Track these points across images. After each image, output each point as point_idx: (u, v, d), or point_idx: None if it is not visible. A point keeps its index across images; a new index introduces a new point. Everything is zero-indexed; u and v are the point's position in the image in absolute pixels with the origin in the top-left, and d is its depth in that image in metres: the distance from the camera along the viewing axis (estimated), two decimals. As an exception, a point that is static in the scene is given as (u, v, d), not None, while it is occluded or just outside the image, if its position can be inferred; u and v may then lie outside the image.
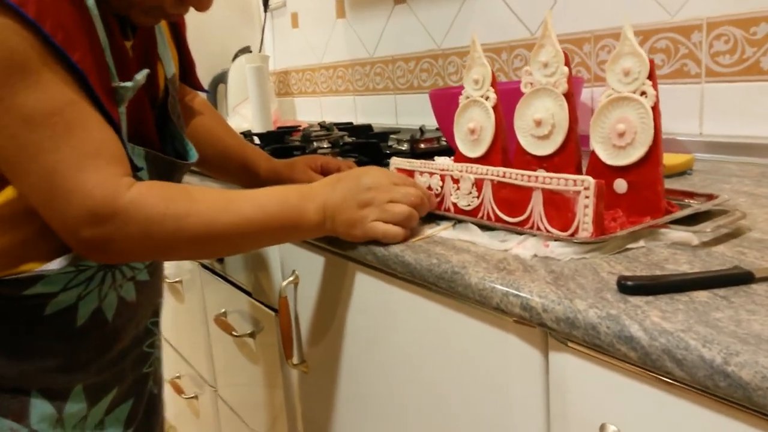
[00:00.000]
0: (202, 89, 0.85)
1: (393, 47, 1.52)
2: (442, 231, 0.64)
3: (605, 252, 0.53)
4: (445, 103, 0.98)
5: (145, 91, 0.65)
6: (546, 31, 0.66)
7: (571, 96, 0.66)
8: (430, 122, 1.34)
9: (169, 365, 1.49)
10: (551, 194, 0.56)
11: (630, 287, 0.44)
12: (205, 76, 1.96)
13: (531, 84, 0.69)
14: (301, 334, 0.84)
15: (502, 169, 0.61)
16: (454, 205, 0.67)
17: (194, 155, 0.71)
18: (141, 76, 0.59)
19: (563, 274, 0.49)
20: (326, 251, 0.76)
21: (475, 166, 0.65)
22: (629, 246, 0.54)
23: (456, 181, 0.67)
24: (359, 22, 1.61)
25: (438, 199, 0.69)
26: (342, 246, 0.67)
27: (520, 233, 0.58)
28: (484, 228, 0.62)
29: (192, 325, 1.31)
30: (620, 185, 0.61)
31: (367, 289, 0.69)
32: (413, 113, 1.50)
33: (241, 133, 1.35)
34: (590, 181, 0.53)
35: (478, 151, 0.73)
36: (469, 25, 1.28)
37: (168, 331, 1.51)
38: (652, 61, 0.59)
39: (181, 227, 0.55)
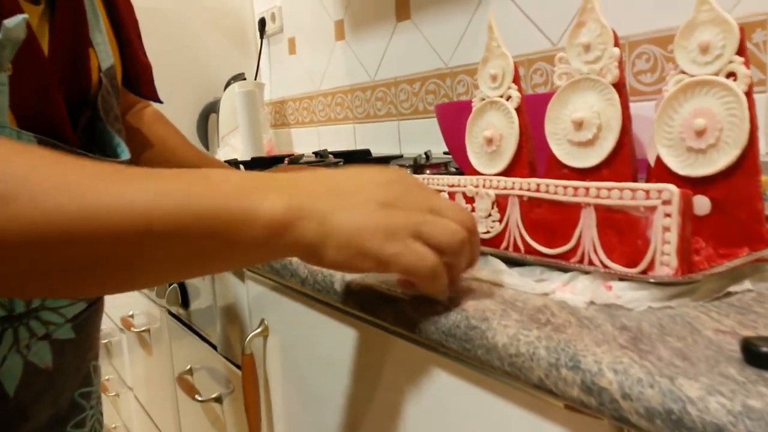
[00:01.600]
0: (153, 98, 0.70)
1: (396, 68, 1.37)
2: (452, 267, 0.46)
3: (697, 298, 0.36)
4: (455, 116, 0.82)
5: (62, 72, 0.50)
6: (588, 3, 0.50)
7: (623, 87, 0.49)
8: (438, 149, 1.18)
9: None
10: (609, 213, 0.39)
11: (765, 355, 0.27)
12: (196, 106, 1.84)
13: (567, 75, 0.53)
14: (272, 401, 0.66)
15: (534, 180, 0.44)
16: (468, 232, 0.50)
17: (125, 156, 0.55)
18: (13, 23, 0.41)
19: (644, 333, 0.31)
20: (300, 294, 0.58)
21: (497, 179, 0.48)
22: (731, 289, 0.36)
23: (470, 200, 0.50)
24: (359, 43, 1.48)
25: (446, 226, 0.52)
26: (317, 285, 0.50)
27: (565, 270, 0.41)
28: (510, 263, 0.45)
29: (161, 383, 1.12)
30: (701, 204, 0.44)
31: (356, 348, 0.51)
32: (418, 140, 1.34)
33: (226, 161, 1.19)
34: (672, 190, 0.36)
35: (497, 166, 0.56)
36: (480, 38, 1.13)
37: (139, 390, 1.32)
38: (742, 30, 0.42)
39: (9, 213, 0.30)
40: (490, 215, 0.48)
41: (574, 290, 0.37)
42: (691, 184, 0.44)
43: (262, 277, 0.65)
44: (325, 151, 1.24)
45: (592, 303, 0.36)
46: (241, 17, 1.92)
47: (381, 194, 0.37)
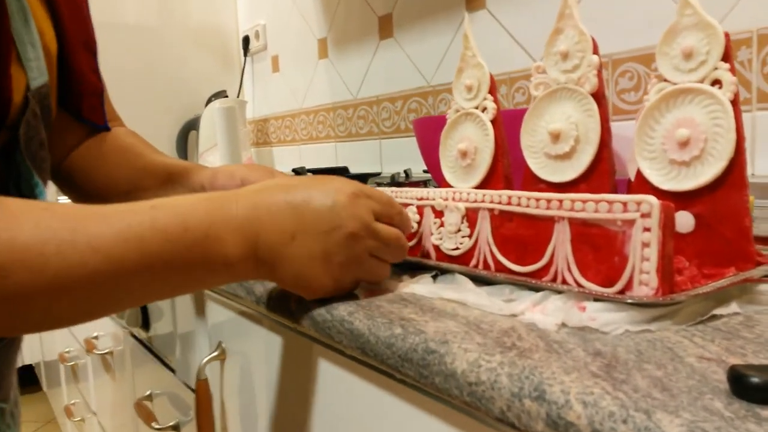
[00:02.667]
0: (97, 122, 0.64)
1: (378, 87, 1.35)
2: (416, 285, 0.42)
3: (680, 321, 0.32)
4: (433, 131, 0.79)
5: None
6: (566, 8, 0.48)
7: (602, 97, 0.46)
8: (419, 168, 1.15)
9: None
10: (585, 227, 0.36)
11: (755, 386, 0.23)
12: (178, 123, 1.80)
13: (544, 84, 0.50)
14: (228, 428, 0.61)
15: (506, 193, 0.41)
16: (436, 248, 0.46)
17: (42, 198, 0.49)
18: None
19: (619, 360, 0.27)
20: (259, 315, 0.54)
21: (467, 191, 0.45)
22: (717, 312, 0.33)
23: (439, 214, 0.47)
24: (342, 60, 1.45)
25: (414, 241, 0.48)
26: (271, 303, 0.46)
27: (537, 289, 0.37)
28: (479, 281, 0.41)
29: (123, 408, 1.06)
30: (684, 221, 0.41)
31: (313, 372, 0.47)
32: (400, 159, 1.31)
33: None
34: (651, 202, 0.32)
35: (471, 180, 0.53)
36: (463, 57, 1.11)
37: (102, 415, 1.26)
38: (727, 36, 0.40)
39: None
40: (459, 230, 0.44)
41: (544, 311, 0.34)
42: (674, 199, 0.40)
43: (222, 297, 0.61)
44: (303, 168, 1.20)
45: (563, 325, 0.32)
46: (225, 35, 1.90)
47: (334, 242, 0.39)
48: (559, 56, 0.48)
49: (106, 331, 1.14)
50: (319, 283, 0.39)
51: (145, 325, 0.84)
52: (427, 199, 0.47)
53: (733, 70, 0.39)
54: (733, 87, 0.38)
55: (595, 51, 0.46)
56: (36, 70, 0.50)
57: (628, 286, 0.33)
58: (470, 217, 0.44)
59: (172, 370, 0.77)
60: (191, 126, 1.76)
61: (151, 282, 0.36)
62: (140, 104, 1.75)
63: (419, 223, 0.48)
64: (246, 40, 1.83)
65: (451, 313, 0.36)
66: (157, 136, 1.76)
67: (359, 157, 1.42)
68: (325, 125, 1.55)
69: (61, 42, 0.55)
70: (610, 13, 0.86)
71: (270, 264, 0.38)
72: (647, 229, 0.32)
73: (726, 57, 0.39)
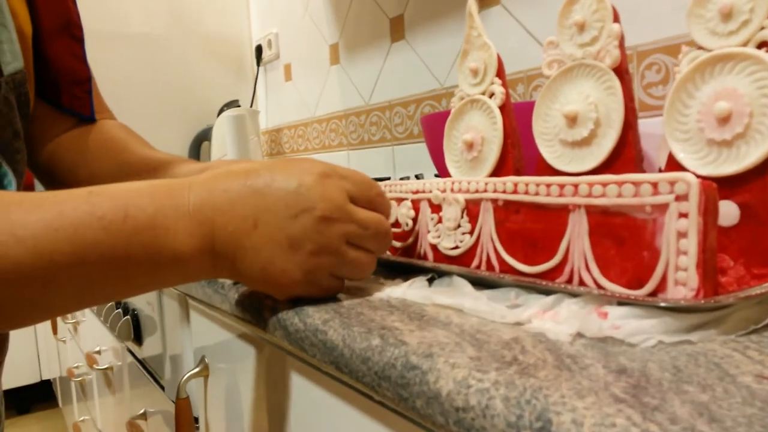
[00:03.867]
0: (83, 113, 0.59)
1: (390, 91, 1.30)
2: (408, 290, 0.36)
3: (728, 330, 0.26)
4: (442, 127, 0.73)
5: None
6: (581, -27, 0.42)
7: (625, 72, 0.40)
8: (432, 173, 1.09)
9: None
10: (606, 217, 0.29)
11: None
12: (191, 133, 1.77)
13: (558, 62, 0.44)
14: (214, 455, 0.56)
15: (511, 179, 0.35)
16: (433, 247, 0.40)
17: (11, 189, 0.45)
18: None
19: (651, 379, 0.21)
20: (241, 326, 0.48)
21: (467, 180, 0.38)
22: (774, 319, 0.26)
23: (437, 208, 0.40)
24: (354, 65, 1.41)
25: (409, 241, 0.42)
26: (244, 309, 0.40)
27: (548, 292, 0.31)
28: (483, 285, 0.35)
29: (121, 426, 1.01)
30: (727, 212, 0.34)
31: (292, 390, 0.41)
32: (413, 165, 1.25)
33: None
34: (688, 180, 0.26)
35: (478, 175, 0.47)
36: (477, 56, 1.05)
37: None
38: (777, -11, 0.33)
39: None
40: (459, 226, 0.38)
41: (556, 318, 0.27)
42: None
43: (202, 306, 0.55)
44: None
45: (579, 335, 0.26)
46: (238, 44, 1.88)
47: (298, 231, 0.33)
48: (575, 28, 0.42)
49: (108, 345, 1.10)
50: (289, 277, 0.33)
51: (137, 338, 0.79)
52: (424, 191, 0.41)
53: (783, 29, 0.32)
54: (784, 49, 0.32)
55: (616, 19, 0.40)
56: (9, 54, 0.46)
57: (661, 286, 0.27)
58: (471, 210, 0.37)
59: (163, 387, 0.72)
60: (203, 137, 1.73)
61: (87, 278, 0.30)
62: (152, 115, 1.73)
63: (415, 219, 0.42)
64: (259, 50, 1.80)
65: (443, 322, 0.30)
66: (170, 147, 1.73)
67: (372, 164, 1.37)
68: (338, 133, 1.51)
69: (36, 25, 0.51)
70: (632, 2, 0.80)
71: (231, 258, 0.33)
72: (684, 215, 0.26)
73: (774, 14, 0.33)
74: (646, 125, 0.88)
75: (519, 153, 0.47)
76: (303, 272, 0.33)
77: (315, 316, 0.33)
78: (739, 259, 0.33)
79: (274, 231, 0.32)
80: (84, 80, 0.59)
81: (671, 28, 0.77)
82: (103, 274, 0.30)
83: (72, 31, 0.57)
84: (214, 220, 0.32)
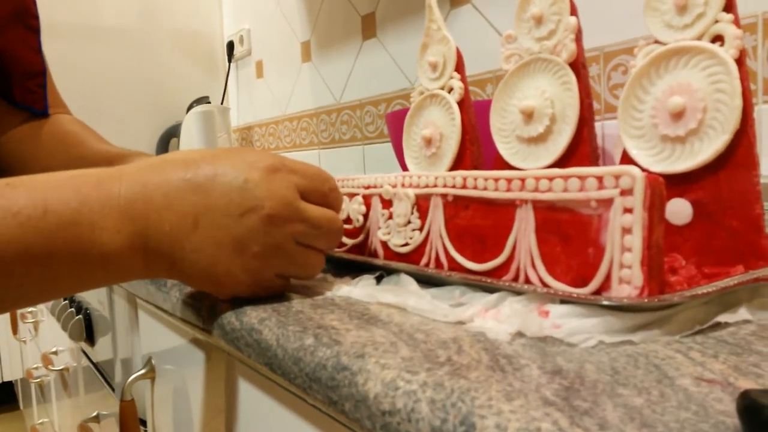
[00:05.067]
0: (35, 107, 0.57)
1: (361, 90, 1.28)
2: (354, 288, 0.35)
3: (672, 331, 0.25)
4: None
5: None
6: (539, -35, 0.41)
7: (581, 68, 0.39)
8: (401, 173, 1.07)
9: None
10: (552, 212, 0.28)
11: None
12: (159, 129, 1.74)
13: (516, 56, 0.43)
14: (161, 460, 0.53)
15: (460, 173, 0.33)
16: (383, 244, 0.39)
17: None
18: None
19: (585, 381, 0.20)
20: (184, 325, 0.47)
21: (417, 175, 0.37)
22: (721, 319, 0.25)
23: (387, 204, 0.39)
24: (325, 63, 1.39)
25: (360, 238, 0.41)
26: (184, 307, 0.38)
27: (493, 290, 0.30)
28: (431, 283, 0.34)
29: (76, 429, 0.98)
30: (680, 209, 0.33)
31: (237, 394, 0.39)
32: (384, 166, 1.24)
33: None
34: (633, 174, 0.25)
35: (436, 171, 0.46)
36: (447, 55, 1.04)
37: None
38: (731, -15, 0.33)
39: None
40: (409, 222, 0.37)
41: (498, 317, 0.26)
42: (667, 184, 0.33)
43: (148, 305, 0.53)
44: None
45: (519, 335, 0.25)
46: (209, 40, 1.85)
47: (238, 231, 0.31)
48: (533, 21, 0.41)
49: (65, 345, 1.06)
50: (233, 278, 0.31)
51: (90, 338, 0.76)
52: (375, 186, 0.40)
53: (737, 22, 0.32)
54: (737, 42, 0.31)
55: (573, 12, 0.39)
56: None
57: (606, 284, 0.25)
58: (421, 206, 0.36)
59: (114, 390, 0.69)
60: (172, 133, 1.69)
61: (5, 278, 0.28)
62: (120, 111, 1.69)
63: (365, 215, 0.40)
64: (230, 46, 1.77)
65: (384, 321, 0.28)
66: (137, 143, 1.70)
67: (343, 164, 1.35)
68: (309, 131, 1.49)
69: None
70: (599, 2, 0.80)
71: (167, 257, 0.31)
72: (628, 210, 0.25)
73: (729, 7, 0.32)
74: (611, 126, 0.88)
75: (478, 150, 0.46)
76: (248, 274, 0.31)
77: (252, 314, 0.31)
78: (691, 258, 0.32)
79: (216, 231, 0.30)
80: (38, 73, 0.57)
81: (639, 30, 0.77)
82: (22, 274, 0.28)
83: (27, 21, 0.55)
84: (147, 217, 0.30)
